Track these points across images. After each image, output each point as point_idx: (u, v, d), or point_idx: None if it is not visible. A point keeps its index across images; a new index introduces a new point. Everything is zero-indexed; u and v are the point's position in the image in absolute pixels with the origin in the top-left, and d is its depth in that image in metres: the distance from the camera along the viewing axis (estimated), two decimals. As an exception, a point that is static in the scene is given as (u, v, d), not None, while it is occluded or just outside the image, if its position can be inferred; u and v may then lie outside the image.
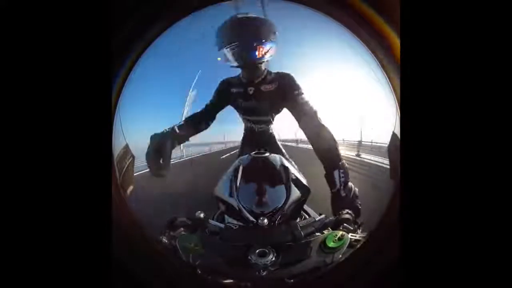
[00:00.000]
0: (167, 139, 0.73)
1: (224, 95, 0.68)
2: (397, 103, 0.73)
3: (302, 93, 0.66)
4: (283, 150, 0.79)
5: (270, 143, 0.76)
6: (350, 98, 0.89)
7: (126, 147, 0.81)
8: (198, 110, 0.72)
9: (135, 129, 0.83)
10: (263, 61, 0.62)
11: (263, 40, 0.57)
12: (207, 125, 0.71)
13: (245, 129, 0.76)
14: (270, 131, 0.75)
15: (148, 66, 0.78)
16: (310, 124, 0.67)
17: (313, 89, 0.87)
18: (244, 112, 0.69)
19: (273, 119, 0.73)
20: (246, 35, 0.57)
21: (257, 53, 0.59)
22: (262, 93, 0.65)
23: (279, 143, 0.79)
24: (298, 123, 0.69)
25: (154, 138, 0.74)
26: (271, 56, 0.63)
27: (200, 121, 0.70)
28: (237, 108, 0.71)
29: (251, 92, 0.65)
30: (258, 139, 0.75)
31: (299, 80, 0.77)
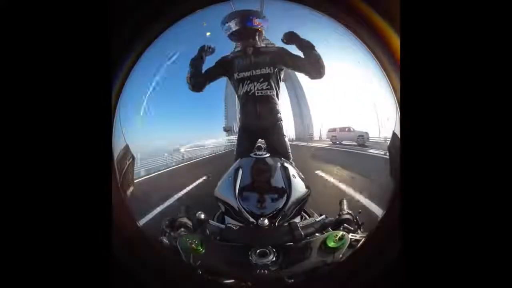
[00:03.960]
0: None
1: (221, 62, 0.77)
2: (397, 103, 0.73)
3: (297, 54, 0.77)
4: (283, 129, 0.85)
5: (272, 113, 0.79)
6: (349, 98, 0.89)
7: (126, 147, 0.81)
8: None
9: (135, 130, 0.83)
10: (257, 29, 0.75)
11: (255, 16, 0.73)
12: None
13: (243, 97, 0.76)
14: (272, 96, 0.77)
15: (148, 66, 0.79)
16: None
17: (312, 88, 0.88)
18: (241, 69, 0.74)
19: (274, 79, 0.77)
20: (244, 12, 0.72)
21: (252, 21, 0.73)
22: (261, 51, 0.74)
23: (279, 115, 0.82)
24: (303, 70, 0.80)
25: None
26: (262, 28, 0.77)
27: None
28: (234, 71, 0.75)
29: (250, 52, 0.74)
30: (260, 110, 0.78)
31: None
